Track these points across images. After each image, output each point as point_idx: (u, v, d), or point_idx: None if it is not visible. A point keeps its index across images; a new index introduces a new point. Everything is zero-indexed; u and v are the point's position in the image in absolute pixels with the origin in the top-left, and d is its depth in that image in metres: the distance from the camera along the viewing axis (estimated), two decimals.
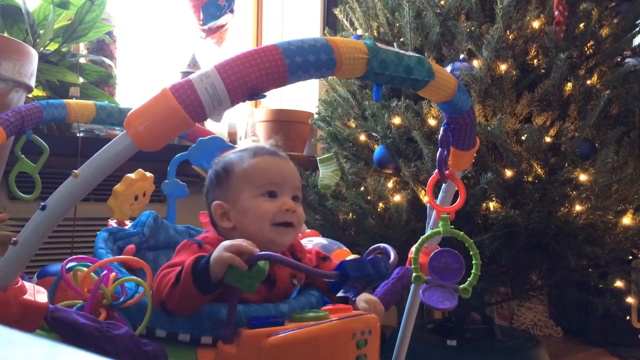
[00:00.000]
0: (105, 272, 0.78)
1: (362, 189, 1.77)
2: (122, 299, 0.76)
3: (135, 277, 0.77)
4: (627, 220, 1.57)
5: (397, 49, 0.75)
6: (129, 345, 0.66)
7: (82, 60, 1.99)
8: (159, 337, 0.76)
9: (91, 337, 0.65)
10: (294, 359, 0.69)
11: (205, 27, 2.49)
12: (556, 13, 1.63)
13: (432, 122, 1.63)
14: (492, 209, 1.55)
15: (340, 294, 0.79)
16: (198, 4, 2.47)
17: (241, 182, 0.91)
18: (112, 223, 1.13)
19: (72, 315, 0.66)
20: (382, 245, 0.94)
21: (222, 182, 0.94)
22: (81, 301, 0.76)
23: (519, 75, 1.62)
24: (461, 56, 1.66)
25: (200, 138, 1.25)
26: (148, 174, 1.21)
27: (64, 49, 1.85)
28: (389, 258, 0.87)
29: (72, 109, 1.21)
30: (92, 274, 0.77)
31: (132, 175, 1.16)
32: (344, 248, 1.13)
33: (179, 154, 1.26)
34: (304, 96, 2.64)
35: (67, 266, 0.79)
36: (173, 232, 1.13)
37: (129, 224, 1.11)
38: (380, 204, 1.70)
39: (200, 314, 0.75)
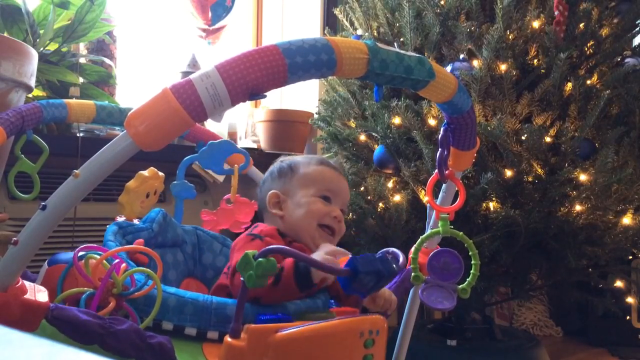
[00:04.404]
0: (117, 260, 0.78)
1: (362, 189, 1.77)
2: (131, 290, 0.76)
3: (146, 269, 0.77)
4: (627, 220, 1.57)
5: (397, 49, 0.75)
6: (133, 339, 0.65)
7: (82, 60, 1.99)
8: (166, 329, 0.76)
9: (94, 334, 0.65)
10: (301, 355, 0.69)
11: (211, 27, 2.49)
12: (556, 13, 1.63)
13: (432, 122, 1.63)
14: (492, 209, 1.55)
15: (349, 292, 0.80)
16: (207, 4, 2.46)
17: (303, 181, 1.02)
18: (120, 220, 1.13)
19: (73, 313, 0.66)
20: (390, 249, 0.94)
21: (285, 176, 1.04)
22: (90, 289, 0.76)
23: (519, 75, 1.62)
24: (461, 56, 1.66)
25: (211, 142, 1.27)
26: (160, 173, 1.22)
27: (64, 49, 1.85)
28: (398, 260, 0.88)
29: (72, 109, 1.21)
30: (105, 261, 0.77)
31: (145, 173, 1.17)
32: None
33: (188, 156, 1.27)
34: (304, 96, 2.64)
35: (79, 254, 0.79)
36: (181, 231, 1.13)
37: (136, 222, 1.11)
38: (380, 204, 1.70)
39: (208, 308, 0.77)
